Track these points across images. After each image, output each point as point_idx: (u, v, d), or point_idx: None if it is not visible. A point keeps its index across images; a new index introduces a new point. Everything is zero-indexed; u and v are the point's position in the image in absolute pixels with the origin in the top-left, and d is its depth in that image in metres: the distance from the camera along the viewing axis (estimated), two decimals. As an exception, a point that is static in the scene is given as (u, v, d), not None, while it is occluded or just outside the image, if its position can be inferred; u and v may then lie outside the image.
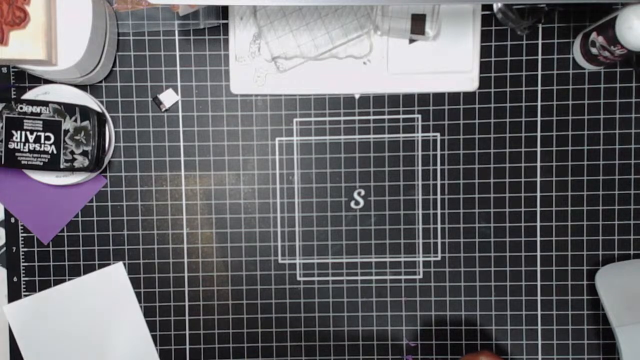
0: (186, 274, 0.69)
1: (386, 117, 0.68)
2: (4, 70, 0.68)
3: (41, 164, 0.63)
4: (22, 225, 0.69)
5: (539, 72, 0.67)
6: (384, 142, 0.68)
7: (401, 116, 0.68)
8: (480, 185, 0.68)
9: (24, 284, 0.69)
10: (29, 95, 0.64)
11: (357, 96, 0.68)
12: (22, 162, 0.62)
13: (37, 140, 0.62)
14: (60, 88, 0.65)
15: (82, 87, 0.66)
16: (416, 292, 0.69)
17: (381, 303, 0.69)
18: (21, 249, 0.69)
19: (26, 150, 0.62)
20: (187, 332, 0.69)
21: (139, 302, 0.69)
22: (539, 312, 0.68)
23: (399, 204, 0.68)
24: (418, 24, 0.65)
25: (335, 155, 0.68)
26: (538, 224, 0.68)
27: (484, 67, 0.67)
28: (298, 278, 0.69)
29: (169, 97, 0.68)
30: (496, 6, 0.65)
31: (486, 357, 0.62)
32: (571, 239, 0.68)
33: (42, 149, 0.62)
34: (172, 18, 0.67)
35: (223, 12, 0.67)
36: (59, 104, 0.62)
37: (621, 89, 0.67)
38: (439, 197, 0.68)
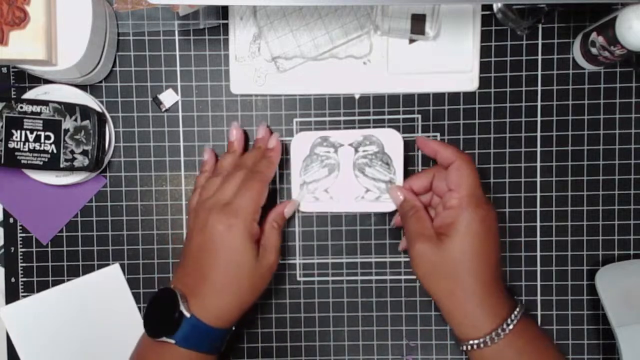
0: (186, 274, 0.69)
1: (386, 117, 0.68)
2: (4, 70, 0.68)
3: (41, 163, 0.62)
4: (20, 226, 0.69)
5: (539, 72, 0.67)
6: (384, 142, 0.68)
7: (401, 116, 0.68)
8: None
9: (22, 285, 0.69)
10: (29, 95, 0.64)
11: (357, 96, 0.68)
12: (22, 161, 0.62)
13: (37, 139, 0.62)
14: (60, 88, 0.65)
15: (82, 87, 0.66)
16: (416, 292, 0.68)
17: (381, 303, 0.69)
18: (19, 250, 0.69)
19: (26, 149, 0.62)
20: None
21: (139, 302, 0.69)
22: (539, 312, 0.68)
23: (399, 204, 0.68)
24: (418, 24, 0.65)
25: (335, 155, 0.68)
26: (538, 224, 0.68)
27: (484, 67, 0.67)
28: (298, 278, 0.69)
29: (169, 97, 0.68)
30: (496, 6, 0.65)
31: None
32: (571, 239, 0.68)
33: (42, 148, 0.62)
34: (172, 18, 0.67)
35: (223, 12, 0.67)
36: (59, 103, 0.62)
37: (621, 89, 0.67)
38: (439, 197, 0.68)
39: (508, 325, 0.55)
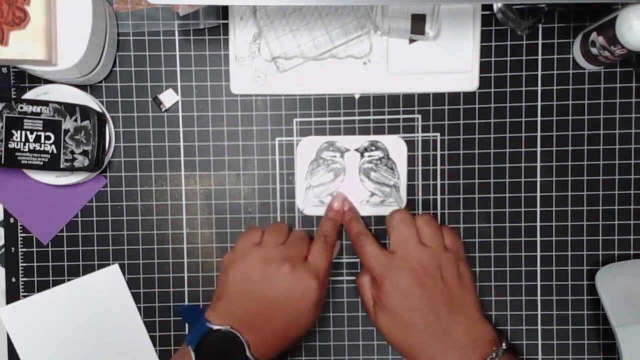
0: (186, 275, 0.69)
1: (386, 117, 0.68)
2: (4, 70, 0.68)
3: (41, 163, 0.62)
4: (21, 226, 0.69)
5: (539, 72, 0.67)
6: (384, 142, 0.68)
7: (401, 116, 0.68)
8: (480, 185, 0.68)
9: (22, 285, 0.69)
10: (29, 95, 0.64)
11: (357, 96, 0.68)
12: (22, 161, 0.62)
13: (37, 139, 0.62)
14: (60, 88, 0.65)
15: (82, 87, 0.66)
16: (416, 292, 0.68)
17: (381, 303, 0.69)
18: (20, 249, 0.69)
19: (26, 149, 0.62)
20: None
21: (139, 302, 0.69)
22: (539, 312, 0.68)
23: (399, 204, 0.68)
24: (418, 24, 0.65)
25: (335, 155, 0.68)
26: (538, 224, 0.68)
27: (484, 67, 0.67)
28: (298, 278, 0.69)
29: (169, 97, 0.68)
30: (496, 6, 0.65)
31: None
32: (571, 239, 0.68)
33: (42, 148, 0.62)
34: (172, 18, 0.67)
35: (223, 12, 0.67)
36: (59, 103, 0.62)
37: (621, 89, 0.67)
38: (439, 197, 0.68)
39: None
